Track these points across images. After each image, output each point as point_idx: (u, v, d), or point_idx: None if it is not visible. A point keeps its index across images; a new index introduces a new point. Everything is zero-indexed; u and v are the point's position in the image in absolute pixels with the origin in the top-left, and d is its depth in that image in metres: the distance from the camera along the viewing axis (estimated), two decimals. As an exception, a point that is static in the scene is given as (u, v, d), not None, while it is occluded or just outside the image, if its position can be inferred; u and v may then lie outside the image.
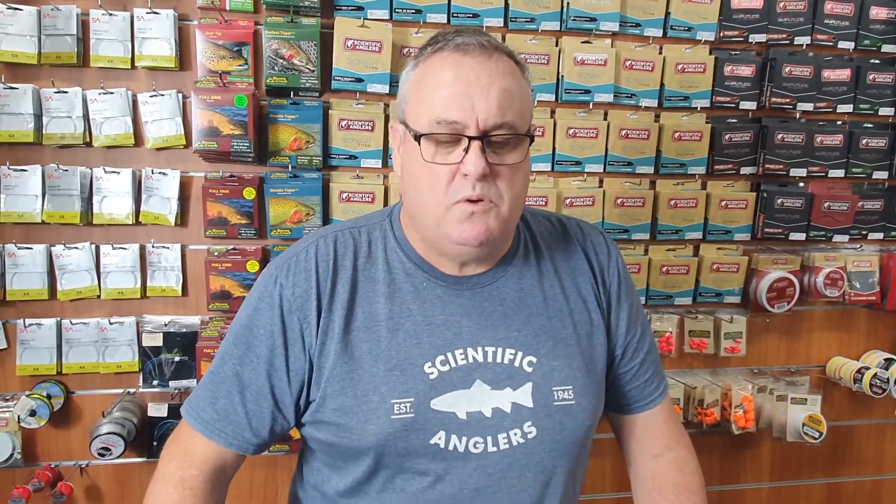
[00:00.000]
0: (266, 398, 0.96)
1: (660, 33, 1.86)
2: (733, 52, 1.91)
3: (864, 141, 1.99)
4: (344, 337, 0.94)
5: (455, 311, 0.97)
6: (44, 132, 1.62)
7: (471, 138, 0.87)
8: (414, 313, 0.96)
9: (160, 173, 1.68)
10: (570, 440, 0.97)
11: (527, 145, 0.92)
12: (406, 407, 0.92)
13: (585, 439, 1.01)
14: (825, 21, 1.94)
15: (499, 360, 0.96)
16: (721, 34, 1.89)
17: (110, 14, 1.62)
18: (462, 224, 0.89)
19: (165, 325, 1.72)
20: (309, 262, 0.97)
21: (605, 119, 1.86)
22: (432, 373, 0.94)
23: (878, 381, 1.97)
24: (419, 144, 0.89)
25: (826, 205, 1.98)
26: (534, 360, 0.97)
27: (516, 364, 0.97)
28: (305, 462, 1.08)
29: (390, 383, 0.93)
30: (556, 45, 1.81)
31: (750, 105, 1.92)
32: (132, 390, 1.74)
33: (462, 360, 0.95)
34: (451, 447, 0.93)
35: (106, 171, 1.66)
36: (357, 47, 1.68)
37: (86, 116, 1.63)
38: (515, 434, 0.95)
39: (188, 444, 0.98)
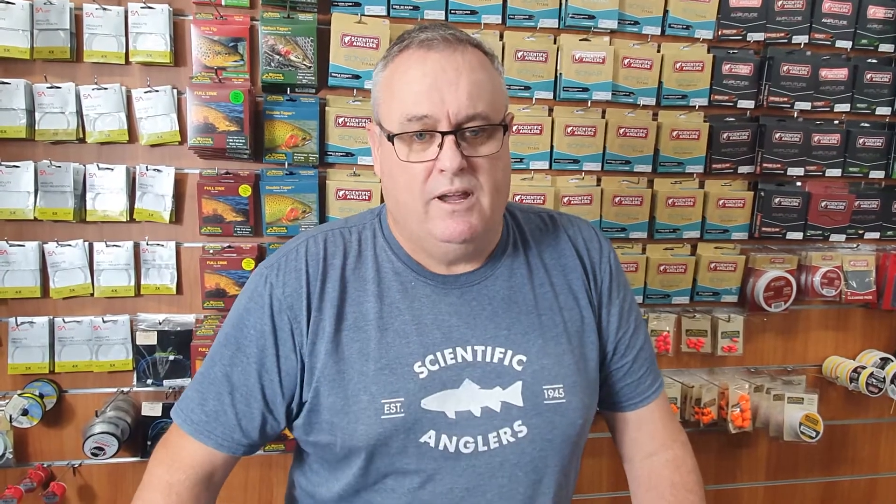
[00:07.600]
0: (256, 399, 0.95)
1: (658, 31, 1.86)
2: (731, 51, 1.90)
3: (861, 140, 1.99)
4: (334, 337, 0.93)
5: (444, 311, 0.96)
6: (36, 128, 1.60)
7: (444, 133, 0.86)
8: (403, 312, 0.95)
9: (155, 170, 1.66)
10: (561, 439, 0.97)
11: (501, 135, 0.91)
12: (396, 407, 0.91)
13: (578, 438, 0.99)
14: (823, 20, 1.94)
15: (488, 359, 0.95)
16: (719, 33, 1.89)
17: (104, 8, 1.60)
18: (445, 221, 0.88)
19: (160, 323, 1.70)
20: (299, 262, 0.96)
21: (603, 117, 1.85)
22: (422, 372, 0.93)
23: (874, 381, 1.97)
24: (393, 145, 0.89)
25: (823, 204, 1.98)
26: (524, 358, 0.96)
27: (506, 363, 0.96)
28: (299, 466, 1.07)
29: (380, 383, 0.92)
30: (555, 43, 1.80)
31: (748, 104, 1.92)
32: (126, 389, 1.72)
33: (451, 359, 0.94)
34: (441, 447, 0.92)
35: (99, 168, 1.64)
36: (354, 43, 1.67)
37: (79, 112, 1.62)
38: (506, 433, 0.94)
39: (177, 448, 0.97)
